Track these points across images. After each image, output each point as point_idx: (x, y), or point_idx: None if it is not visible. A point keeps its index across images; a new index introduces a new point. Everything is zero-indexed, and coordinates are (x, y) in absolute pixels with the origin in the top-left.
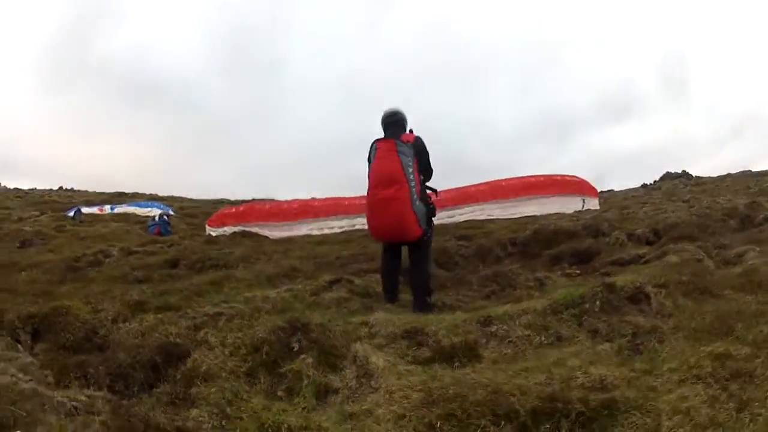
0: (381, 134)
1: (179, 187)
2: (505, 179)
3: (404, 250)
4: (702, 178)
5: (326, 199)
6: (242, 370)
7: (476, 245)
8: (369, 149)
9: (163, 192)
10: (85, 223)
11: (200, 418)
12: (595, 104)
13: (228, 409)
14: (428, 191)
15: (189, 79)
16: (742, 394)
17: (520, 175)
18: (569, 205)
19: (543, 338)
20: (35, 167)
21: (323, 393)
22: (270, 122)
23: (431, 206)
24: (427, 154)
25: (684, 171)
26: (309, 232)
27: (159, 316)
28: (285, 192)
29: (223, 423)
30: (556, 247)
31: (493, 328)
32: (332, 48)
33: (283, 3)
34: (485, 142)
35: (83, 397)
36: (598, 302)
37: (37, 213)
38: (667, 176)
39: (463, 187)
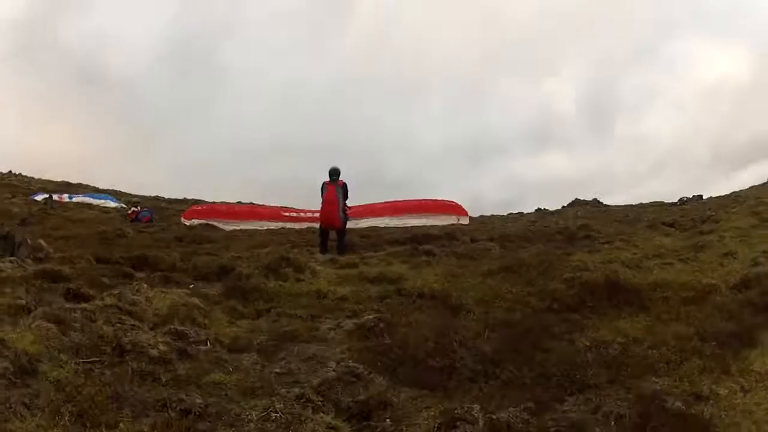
0: (327, 178)
1: (114, 181)
2: (402, 200)
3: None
4: (610, 206)
5: (268, 207)
6: (263, 271)
7: (370, 241)
8: (321, 186)
9: (103, 185)
10: (59, 209)
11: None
12: (521, 130)
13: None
14: (346, 207)
15: (134, 77)
16: None
17: (414, 198)
18: (447, 221)
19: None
20: None
21: (298, 280)
22: (206, 124)
23: (347, 216)
24: (347, 190)
25: (595, 199)
26: (252, 228)
27: (211, 255)
28: (210, 193)
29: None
30: (422, 243)
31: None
32: (274, 56)
33: (233, 11)
34: (410, 158)
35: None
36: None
37: (8, 195)
38: (576, 202)
39: (371, 204)
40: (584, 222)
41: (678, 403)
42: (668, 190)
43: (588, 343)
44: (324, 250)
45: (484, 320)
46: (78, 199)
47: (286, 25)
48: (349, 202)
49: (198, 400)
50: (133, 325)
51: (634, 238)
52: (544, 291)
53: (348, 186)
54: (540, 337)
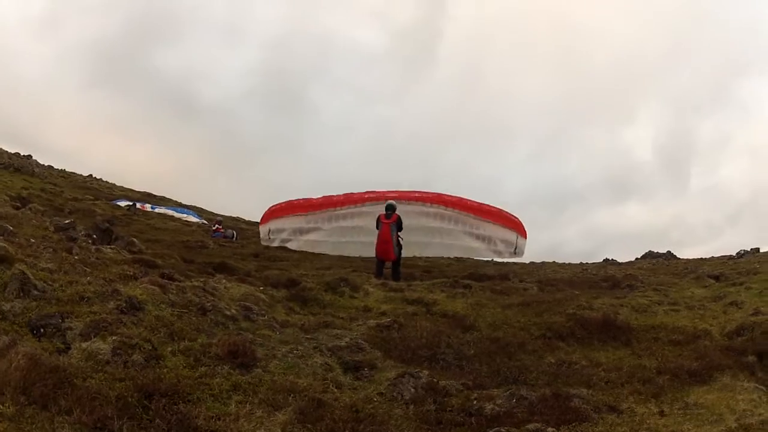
0: (384, 212)
1: (197, 199)
2: (470, 200)
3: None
4: (679, 259)
5: (344, 194)
6: (323, 287)
7: (431, 275)
8: (377, 219)
9: (185, 200)
10: (141, 216)
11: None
12: (601, 178)
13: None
14: (400, 238)
15: (226, 106)
16: None
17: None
18: (506, 236)
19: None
20: (57, 150)
21: (352, 297)
22: (293, 157)
23: (401, 248)
24: (401, 223)
25: (668, 251)
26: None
27: (282, 270)
28: None
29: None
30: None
31: (413, 284)
32: (363, 98)
33: (324, 56)
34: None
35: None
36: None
37: (90, 197)
38: (649, 255)
39: (442, 194)
40: (632, 272)
41: (585, 406)
42: (744, 242)
43: (553, 360)
44: (379, 274)
45: (480, 335)
46: (161, 210)
47: (374, 68)
48: None
49: (250, 336)
50: (213, 299)
51: (670, 288)
52: (546, 322)
53: (401, 220)
54: (515, 351)
